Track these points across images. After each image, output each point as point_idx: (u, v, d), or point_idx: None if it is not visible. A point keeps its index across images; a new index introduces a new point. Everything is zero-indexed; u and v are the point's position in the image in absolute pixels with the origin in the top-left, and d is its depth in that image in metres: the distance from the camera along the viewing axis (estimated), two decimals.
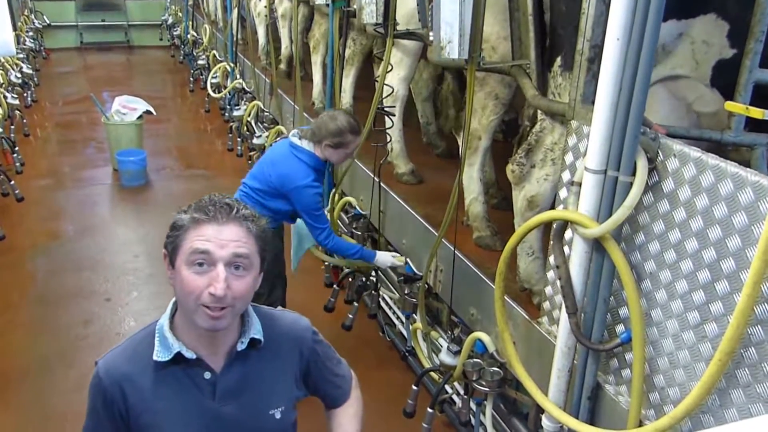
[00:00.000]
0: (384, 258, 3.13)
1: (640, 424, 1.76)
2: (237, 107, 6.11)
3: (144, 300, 4.22)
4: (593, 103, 1.90)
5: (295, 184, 2.80)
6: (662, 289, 1.71)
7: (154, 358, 1.30)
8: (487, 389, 2.46)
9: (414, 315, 3.22)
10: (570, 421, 1.90)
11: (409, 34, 2.96)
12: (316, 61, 4.96)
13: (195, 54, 8.66)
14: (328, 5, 3.73)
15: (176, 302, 1.34)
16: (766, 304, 1.43)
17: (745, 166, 1.53)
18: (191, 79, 8.90)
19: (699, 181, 1.61)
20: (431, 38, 2.26)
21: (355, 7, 3.13)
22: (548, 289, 2.18)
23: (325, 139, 2.81)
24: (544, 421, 2.07)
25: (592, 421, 1.94)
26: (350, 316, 3.50)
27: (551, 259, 2.09)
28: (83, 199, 5.85)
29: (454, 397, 2.91)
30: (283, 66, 5.96)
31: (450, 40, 2.20)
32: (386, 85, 3.20)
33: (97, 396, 1.33)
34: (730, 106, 1.52)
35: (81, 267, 4.62)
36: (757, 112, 1.42)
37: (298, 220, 3.10)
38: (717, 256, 1.56)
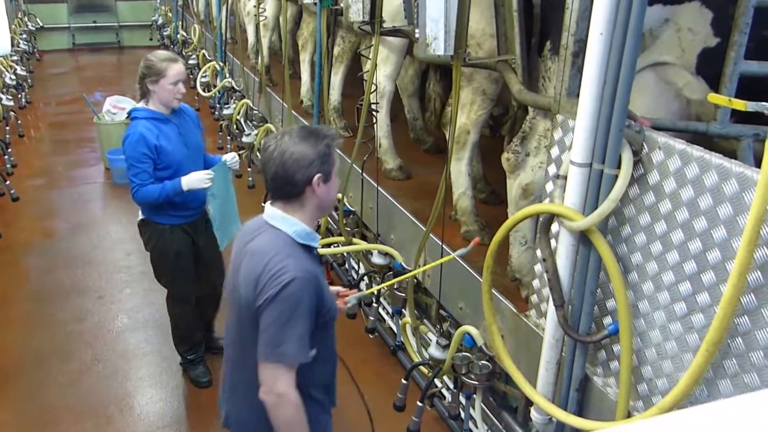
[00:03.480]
0: (191, 179, 2.76)
1: (629, 416, 1.72)
2: (227, 106, 6.01)
3: (136, 297, 4.15)
4: (578, 96, 1.85)
5: (123, 141, 2.73)
6: (649, 281, 1.67)
7: (316, 245, 1.68)
8: (476, 383, 2.42)
9: (403, 310, 3.17)
10: (558, 413, 1.86)
11: (395, 32, 2.90)
12: (305, 59, 4.88)
13: (185, 54, 8.52)
14: (315, 4, 3.64)
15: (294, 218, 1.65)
16: (751, 294, 1.39)
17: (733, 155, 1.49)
18: None
19: (684, 173, 1.56)
20: (417, 35, 2.20)
21: (342, 5, 3.05)
22: (536, 282, 2.14)
23: (145, 81, 2.71)
24: (533, 414, 2.03)
25: (580, 413, 1.90)
26: (371, 318, 3.40)
27: (538, 252, 2.04)
28: (76, 198, 5.76)
29: (444, 391, 2.87)
30: (252, 60, 6.05)
31: (436, 37, 2.14)
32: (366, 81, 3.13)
33: (311, 296, 1.58)
34: (713, 98, 1.48)
35: (74, 264, 4.55)
36: (739, 104, 1.38)
37: (211, 194, 2.87)
38: (703, 247, 1.52)
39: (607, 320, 1.83)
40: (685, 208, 1.56)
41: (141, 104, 2.81)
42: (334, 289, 1.94)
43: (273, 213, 1.66)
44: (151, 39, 11.71)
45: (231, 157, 2.97)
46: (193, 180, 2.75)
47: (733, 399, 0.69)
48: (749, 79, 1.76)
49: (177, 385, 3.30)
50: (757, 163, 1.53)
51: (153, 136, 2.71)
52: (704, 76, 1.89)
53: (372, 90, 3.11)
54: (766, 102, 1.31)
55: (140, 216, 2.95)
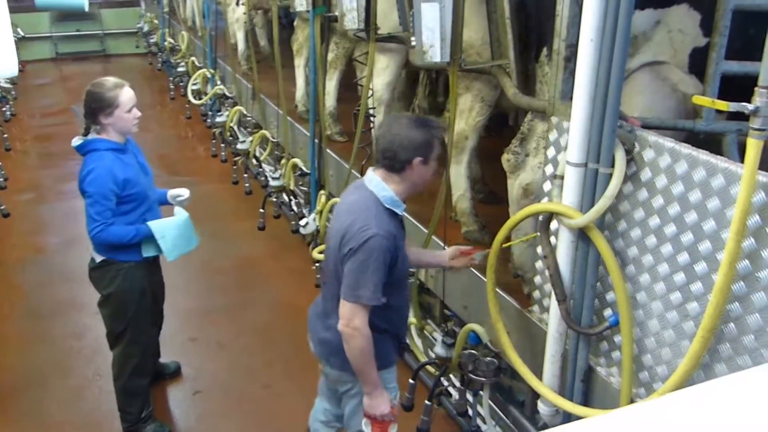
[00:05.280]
0: (158, 223, 2.69)
1: (632, 403, 1.84)
2: (219, 113, 6.11)
3: None
4: (571, 99, 1.98)
5: (83, 175, 2.55)
6: (645, 273, 1.80)
7: (400, 212, 2.02)
8: (483, 379, 2.53)
9: None
10: (565, 404, 1.98)
11: (390, 38, 3.02)
12: (299, 64, 4.99)
13: (174, 61, 8.60)
14: (309, 11, 3.76)
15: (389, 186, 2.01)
16: (741, 282, 1.52)
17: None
18: (171, 86, 8.84)
19: (674, 170, 1.70)
20: (413, 42, 2.32)
21: (337, 12, 3.17)
22: (537, 279, 2.26)
23: (98, 114, 2.55)
24: (540, 406, 2.15)
25: (585, 402, 2.02)
26: None
27: (539, 249, 2.17)
28: (68, 212, 5.78)
29: (450, 389, 2.98)
30: (243, 65, 6.20)
31: (432, 44, 2.27)
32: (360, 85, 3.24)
33: (387, 252, 1.93)
34: (698, 99, 1.61)
35: (70, 279, 4.58)
36: (721, 105, 1.51)
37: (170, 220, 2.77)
38: (694, 238, 1.65)
39: (607, 312, 1.95)
40: (677, 203, 1.69)
41: (95, 135, 2.61)
42: (453, 248, 2.34)
43: (372, 177, 2.05)
44: (137, 46, 11.75)
45: (185, 196, 2.93)
46: (159, 224, 2.68)
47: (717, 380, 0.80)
48: (732, 77, 1.89)
49: (183, 398, 3.38)
50: (742, 157, 1.67)
51: (120, 170, 2.57)
52: (696, 74, 2.02)
53: (369, 95, 3.23)
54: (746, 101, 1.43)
55: (97, 259, 2.74)
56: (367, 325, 1.98)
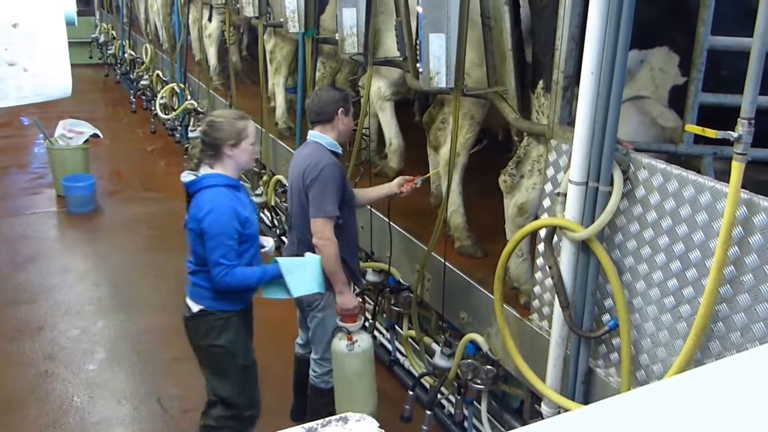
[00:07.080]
0: (285, 260, 2.60)
1: None
2: (192, 129, 6.14)
3: (111, 328, 4.18)
4: (568, 124, 2.25)
5: (202, 214, 2.40)
6: (641, 280, 2.06)
7: (339, 151, 2.87)
8: (482, 387, 2.72)
9: (396, 326, 3.45)
10: (569, 404, 2.19)
11: (387, 62, 3.24)
12: (278, 82, 5.14)
13: (136, 74, 8.52)
14: (298, 34, 3.95)
15: (326, 136, 2.82)
16: (728, 285, 1.80)
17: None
18: (132, 99, 8.74)
19: (666, 188, 1.97)
20: (420, 69, 2.55)
21: (336, 37, 3.37)
22: (537, 289, 2.49)
23: (222, 146, 2.45)
24: (544, 408, 2.36)
25: (586, 403, 2.25)
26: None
27: (539, 261, 2.40)
28: (27, 228, 5.66)
29: (444, 401, 3.14)
30: (216, 80, 6.43)
31: (438, 71, 2.50)
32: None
33: (337, 176, 2.72)
34: (690, 128, 1.91)
35: (32, 299, 4.51)
36: (710, 133, 1.81)
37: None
38: (685, 248, 1.92)
39: (606, 317, 2.20)
40: (668, 217, 1.97)
41: (208, 169, 2.47)
42: (399, 178, 3.01)
43: (314, 133, 2.83)
44: (90, 57, 11.51)
45: (270, 246, 2.78)
46: (290, 265, 2.51)
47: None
48: (708, 108, 2.21)
49: (167, 420, 3.38)
50: (716, 177, 1.96)
51: (242, 207, 2.45)
52: (675, 109, 2.34)
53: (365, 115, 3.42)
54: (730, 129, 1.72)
55: (194, 308, 2.54)
56: (334, 235, 2.64)
